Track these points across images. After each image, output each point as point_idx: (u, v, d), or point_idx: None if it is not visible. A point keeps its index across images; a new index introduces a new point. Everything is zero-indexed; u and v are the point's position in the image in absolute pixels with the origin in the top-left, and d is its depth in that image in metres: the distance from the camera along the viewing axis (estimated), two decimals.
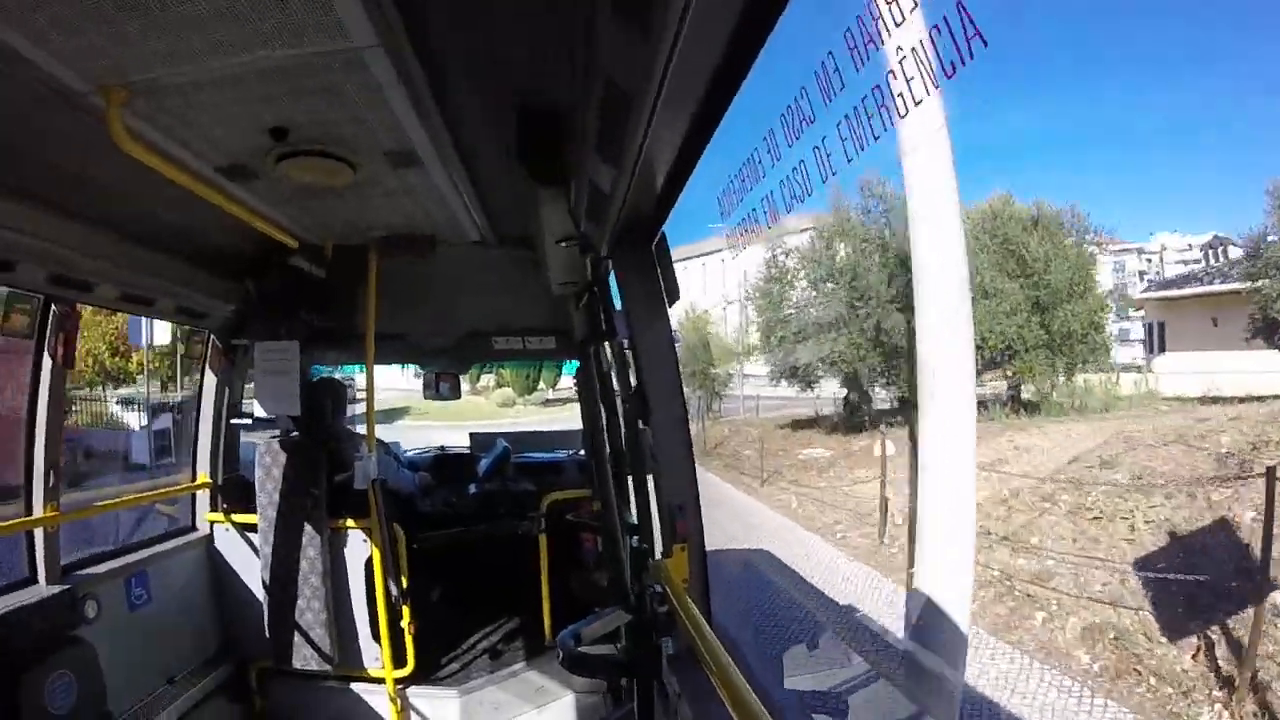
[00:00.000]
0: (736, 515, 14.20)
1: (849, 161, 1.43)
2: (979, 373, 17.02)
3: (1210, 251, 24.98)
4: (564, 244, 2.68)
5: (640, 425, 2.70)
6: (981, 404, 17.27)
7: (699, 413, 24.60)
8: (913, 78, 1.20)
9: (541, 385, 40.40)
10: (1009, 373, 19.75)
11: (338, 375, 4.98)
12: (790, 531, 13.39)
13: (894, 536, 11.78)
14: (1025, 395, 19.80)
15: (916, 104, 1.18)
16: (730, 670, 1.40)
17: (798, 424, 22.46)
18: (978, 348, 14.50)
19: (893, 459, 13.20)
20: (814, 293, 21.57)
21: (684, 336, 27.11)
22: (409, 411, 27.81)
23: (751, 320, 27.07)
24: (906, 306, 15.77)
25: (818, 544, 12.61)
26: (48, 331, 2.87)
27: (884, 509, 12.44)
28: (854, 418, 20.87)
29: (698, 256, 44.23)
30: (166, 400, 18.65)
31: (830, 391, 22.36)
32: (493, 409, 35.41)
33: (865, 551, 11.93)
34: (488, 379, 37.21)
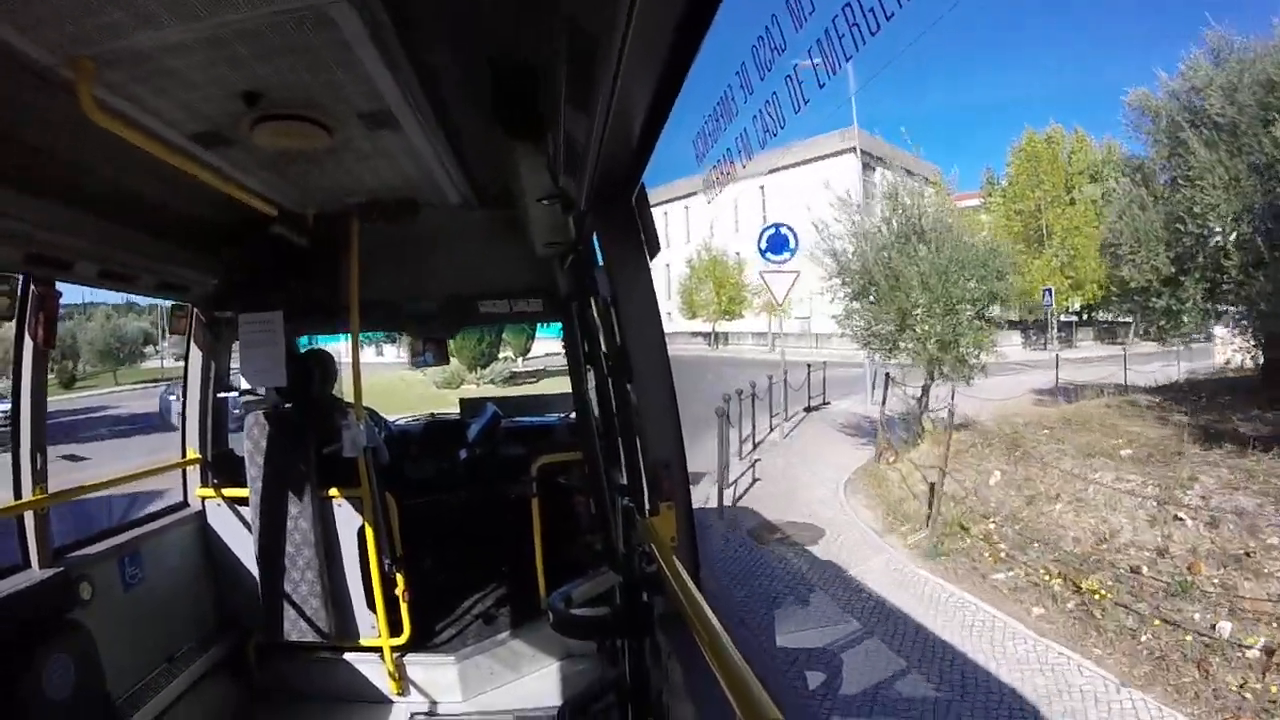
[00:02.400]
0: None
1: (821, 87, 1.40)
2: None
3: None
4: (544, 202, 2.66)
5: (626, 383, 2.69)
6: None
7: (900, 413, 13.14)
8: None
9: (506, 354, 33.62)
10: None
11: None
12: None
13: None
14: None
15: (889, 18, 1.15)
16: (715, 629, 1.38)
17: None
18: None
19: None
20: None
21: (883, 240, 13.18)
22: None
23: None
24: None
25: None
26: (28, 312, 2.84)
27: None
28: None
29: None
30: None
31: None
32: (428, 391, 25.17)
33: None
34: None
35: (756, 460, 12.22)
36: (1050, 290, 30.10)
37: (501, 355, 32.55)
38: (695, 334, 46.72)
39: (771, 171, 42.68)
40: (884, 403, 12.81)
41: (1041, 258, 35.32)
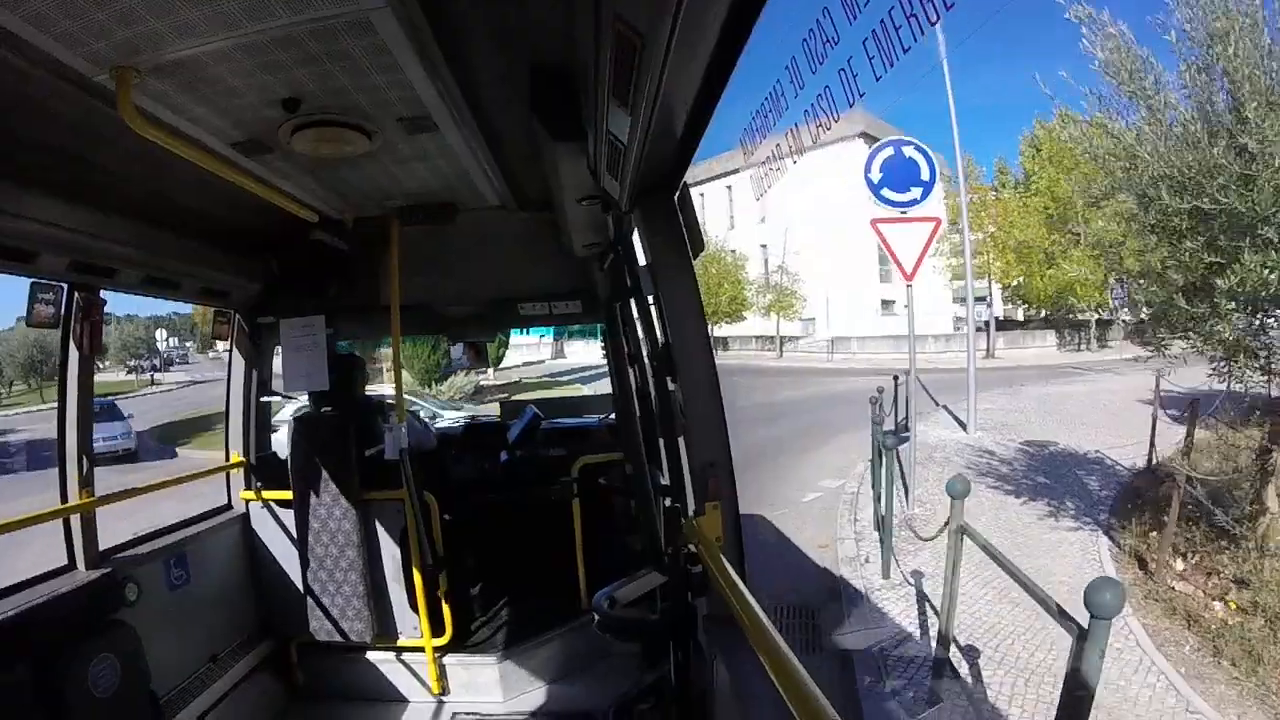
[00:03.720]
0: None
1: (877, 79, 1.38)
2: None
3: None
4: (585, 202, 2.65)
5: (669, 382, 2.67)
6: None
7: None
8: None
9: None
10: None
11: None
12: None
13: None
14: None
15: (949, 6, 1.13)
16: (766, 629, 1.35)
17: None
18: None
19: None
20: None
21: None
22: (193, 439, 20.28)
23: None
24: None
25: None
26: (72, 320, 2.88)
27: None
28: None
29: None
30: None
31: None
32: None
33: None
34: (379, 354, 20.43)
35: (918, 575, 6.36)
36: (1123, 281, 27.34)
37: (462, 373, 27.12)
38: None
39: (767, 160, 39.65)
40: (1188, 452, 7.76)
41: (1080, 248, 34.24)
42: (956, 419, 14.21)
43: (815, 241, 39.72)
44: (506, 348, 31.68)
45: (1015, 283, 35.04)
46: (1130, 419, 13.05)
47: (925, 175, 8.73)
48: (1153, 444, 9.10)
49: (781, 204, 37.21)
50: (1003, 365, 29.10)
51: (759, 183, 2.48)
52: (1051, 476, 9.72)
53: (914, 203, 8.71)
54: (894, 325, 40.90)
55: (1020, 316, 42.91)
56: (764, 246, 42.96)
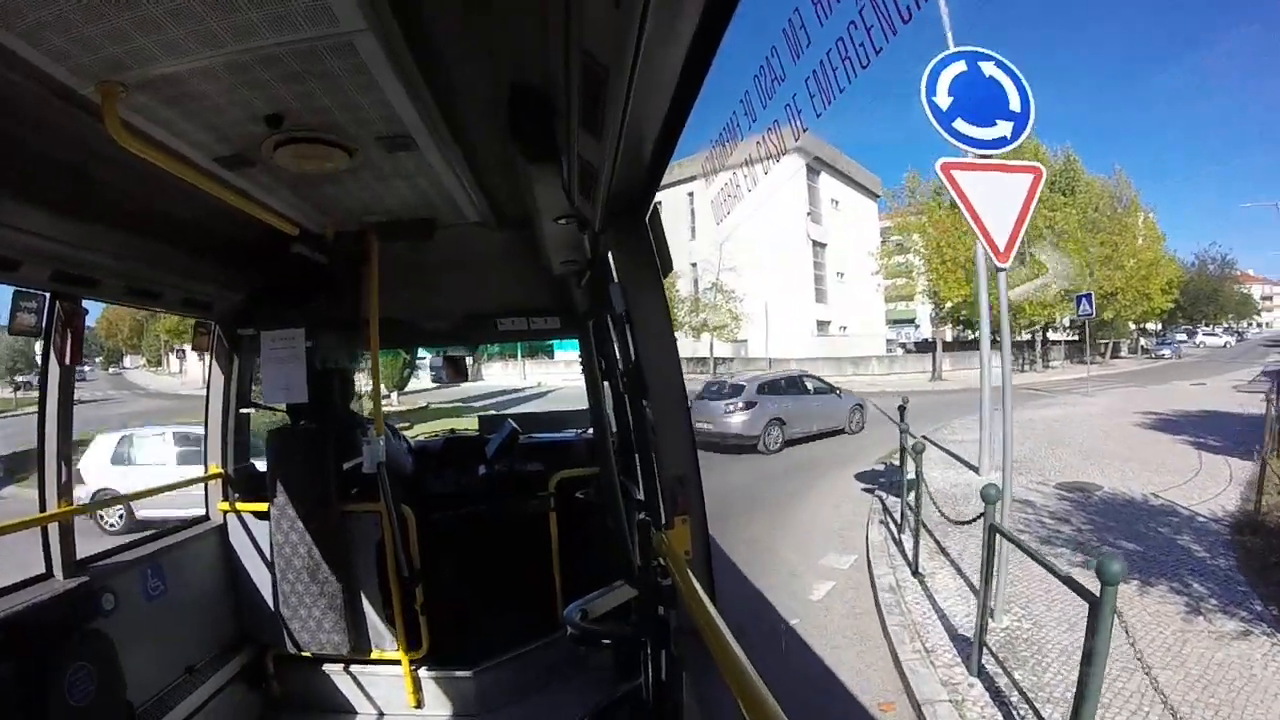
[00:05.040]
0: None
1: (818, 117, 1.57)
2: None
3: None
4: (560, 221, 2.71)
5: (641, 399, 2.72)
6: None
7: None
8: (872, 26, 1.31)
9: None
10: None
11: None
12: None
13: None
14: None
15: (878, 51, 1.32)
16: (727, 642, 1.39)
17: None
18: None
19: None
20: None
21: None
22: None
23: None
24: None
25: None
26: (54, 330, 2.92)
27: None
28: None
29: None
30: None
31: None
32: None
33: None
34: None
35: None
36: (1089, 296, 26.00)
37: (365, 390, 22.67)
38: None
39: (697, 177, 34.50)
40: None
41: (1027, 265, 34.97)
42: (954, 455, 11.98)
43: (751, 258, 39.00)
44: (412, 369, 28.78)
45: (956, 301, 34.64)
46: (1147, 447, 12.57)
47: (1015, 104, 5.97)
48: (1261, 489, 7.94)
49: (714, 220, 35.12)
50: (954, 388, 28.45)
51: (718, 207, 2.63)
52: (1134, 538, 7.45)
53: (1003, 142, 5.97)
54: (831, 346, 40.44)
55: (949, 337, 42.33)
56: (694, 265, 41.82)
